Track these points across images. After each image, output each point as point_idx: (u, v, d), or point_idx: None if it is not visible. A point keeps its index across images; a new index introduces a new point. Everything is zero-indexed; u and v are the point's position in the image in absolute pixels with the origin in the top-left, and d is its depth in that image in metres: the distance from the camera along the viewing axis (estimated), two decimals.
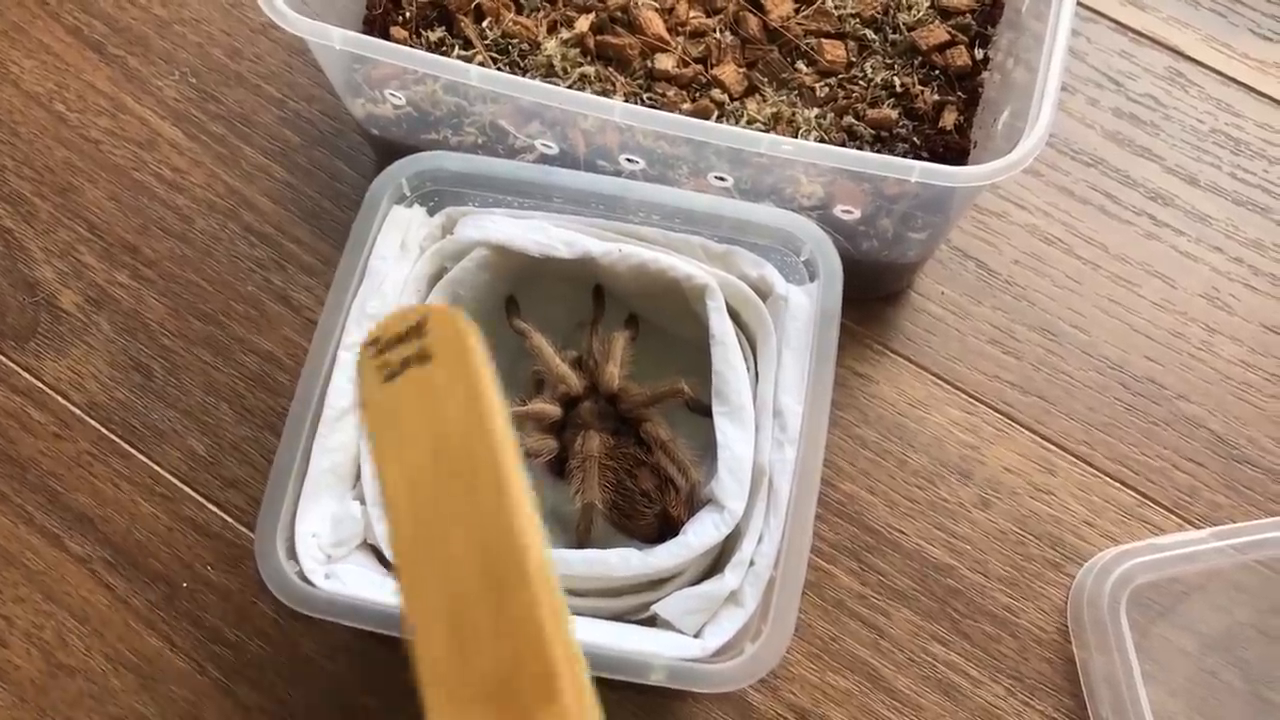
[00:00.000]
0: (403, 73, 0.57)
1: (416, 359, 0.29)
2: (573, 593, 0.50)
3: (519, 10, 0.65)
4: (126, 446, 0.62)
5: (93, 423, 0.63)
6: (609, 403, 0.56)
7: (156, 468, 0.62)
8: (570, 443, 0.55)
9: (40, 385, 0.63)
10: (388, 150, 0.64)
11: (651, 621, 0.50)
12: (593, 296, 0.59)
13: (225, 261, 0.66)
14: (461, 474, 0.28)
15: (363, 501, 0.51)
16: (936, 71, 0.64)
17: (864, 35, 0.65)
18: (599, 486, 0.53)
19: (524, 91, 0.53)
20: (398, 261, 0.55)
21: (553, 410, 0.55)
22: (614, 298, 0.59)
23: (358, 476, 0.52)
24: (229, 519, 0.61)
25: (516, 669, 0.25)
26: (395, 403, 0.29)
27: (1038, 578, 0.59)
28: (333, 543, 0.50)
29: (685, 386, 0.55)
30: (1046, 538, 0.60)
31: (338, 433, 0.52)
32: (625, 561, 0.49)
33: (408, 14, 0.65)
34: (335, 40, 0.53)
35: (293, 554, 0.50)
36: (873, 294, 0.65)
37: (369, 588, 0.49)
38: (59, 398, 0.63)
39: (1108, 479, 0.61)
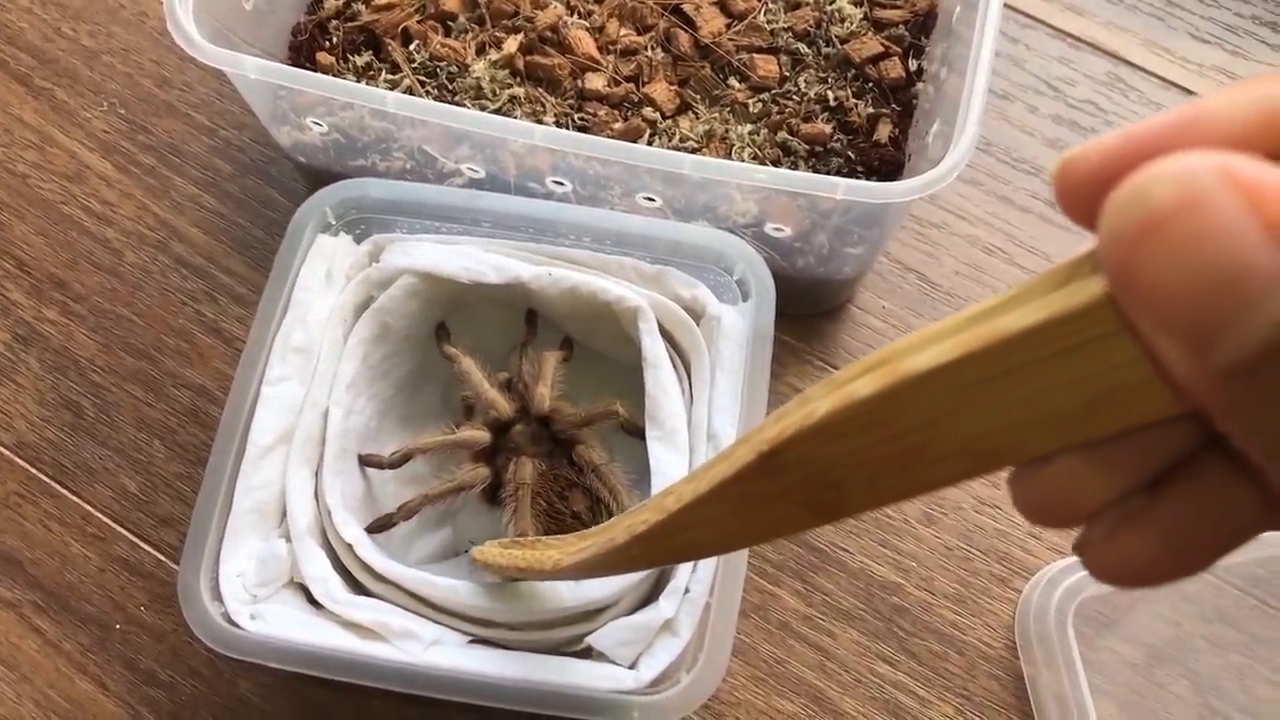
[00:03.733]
0: (329, 99, 0.56)
1: None
2: (505, 626, 0.49)
3: (447, 33, 0.64)
4: (57, 486, 0.61)
5: (21, 463, 0.61)
6: (541, 424, 0.55)
7: (88, 507, 0.61)
8: (503, 468, 0.54)
9: None
10: (316, 177, 0.63)
11: (587, 654, 0.50)
12: (525, 320, 0.58)
13: (156, 295, 0.65)
14: None
15: (288, 539, 0.50)
16: (870, 84, 0.63)
17: (797, 49, 0.64)
18: (531, 515, 0.53)
19: (441, 116, 0.52)
20: (323, 292, 0.54)
21: (482, 436, 0.54)
22: (548, 322, 0.58)
23: (283, 514, 0.51)
24: (162, 557, 0.59)
25: None
26: None
27: (984, 593, 0.59)
28: (258, 583, 0.49)
29: (620, 408, 0.54)
30: (993, 552, 0.59)
31: (262, 470, 0.51)
32: (558, 593, 0.48)
33: (334, 39, 0.64)
34: (250, 70, 0.53)
35: (218, 595, 0.49)
36: (813, 310, 0.64)
37: (295, 628, 0.48)
38: None
39: None
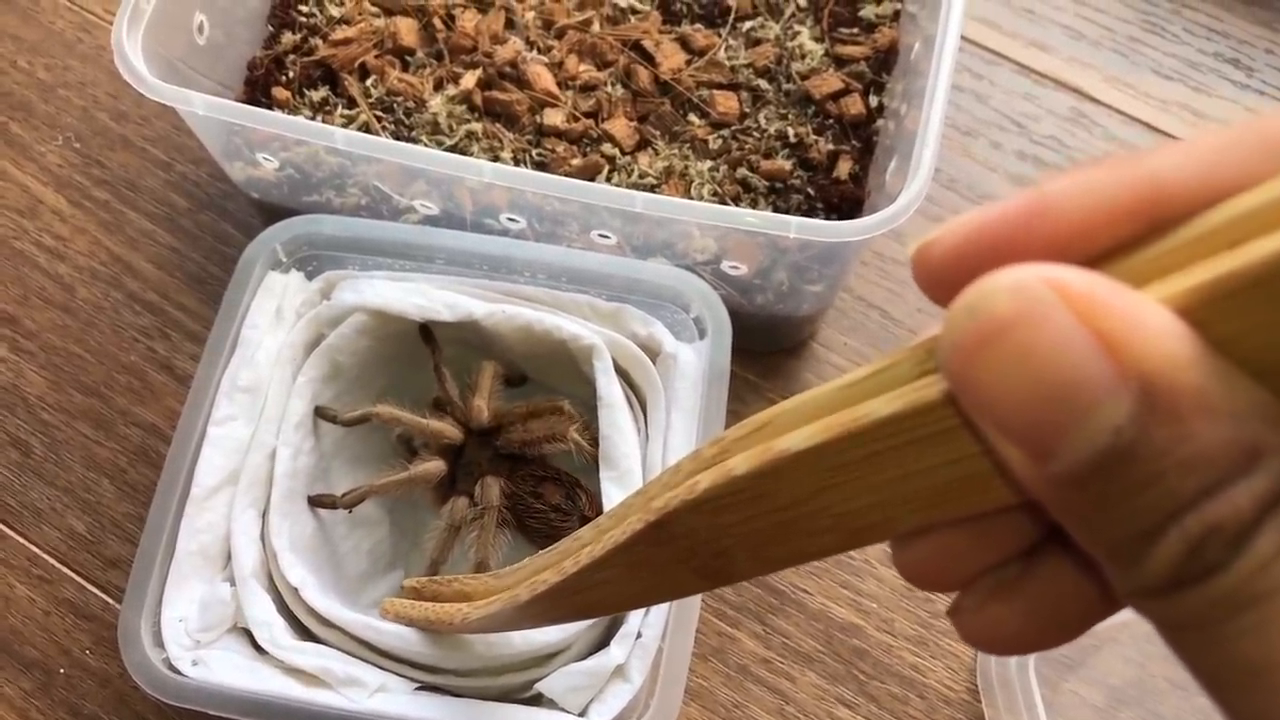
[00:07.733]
0: (283, 135, 0.56)
1: None
2: (453, 672, 0.48)
3: (405, 68, 0.64)
4: (3, 527, 0.60)
5: None
6: (488, 437, 0.54)
7: (34, 548, 0.59)
8: (468, 491, 0.53)
9: None
10: (272, 213, 0.62)
11: (537, 700, 0.49)
12: (422, 337, 0.55)
13: (108, 331, 0.64)
14: None
15: (233, 583, 0.49)
16: (831, 121, 0.63)
17: (757, 85, 0.64)
18: (492, 544, 0.52)
19: (389, 153, 0.52)
20: (272, 330, 0.53)
21: (438, 467, 0.53)
22: (502, 359, 0.57)
23: (228, 557, 0.50)
24: (109, 600, 0.58)
25: None
26: None
27: (946, 635, 0.58)
28: (201, 627, 0.48)
29: (566, 404, 0.53)
30: (954, 593, 0.58)
31: (206, 512, 0.50)
32: (507, 639, 0.47)
33: (291, 74, 0.64)
34: (198, 106, 0.52)
35: (159, 640, 0.48)
36: (775, 347, 0.64)
37: (238, 674, 0.47)
38: None
39: None
